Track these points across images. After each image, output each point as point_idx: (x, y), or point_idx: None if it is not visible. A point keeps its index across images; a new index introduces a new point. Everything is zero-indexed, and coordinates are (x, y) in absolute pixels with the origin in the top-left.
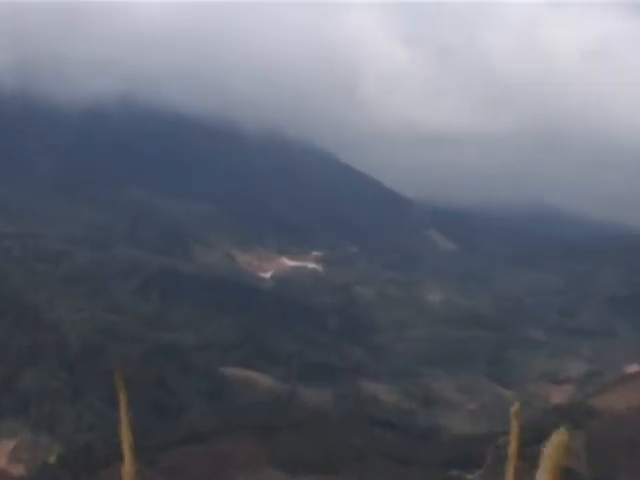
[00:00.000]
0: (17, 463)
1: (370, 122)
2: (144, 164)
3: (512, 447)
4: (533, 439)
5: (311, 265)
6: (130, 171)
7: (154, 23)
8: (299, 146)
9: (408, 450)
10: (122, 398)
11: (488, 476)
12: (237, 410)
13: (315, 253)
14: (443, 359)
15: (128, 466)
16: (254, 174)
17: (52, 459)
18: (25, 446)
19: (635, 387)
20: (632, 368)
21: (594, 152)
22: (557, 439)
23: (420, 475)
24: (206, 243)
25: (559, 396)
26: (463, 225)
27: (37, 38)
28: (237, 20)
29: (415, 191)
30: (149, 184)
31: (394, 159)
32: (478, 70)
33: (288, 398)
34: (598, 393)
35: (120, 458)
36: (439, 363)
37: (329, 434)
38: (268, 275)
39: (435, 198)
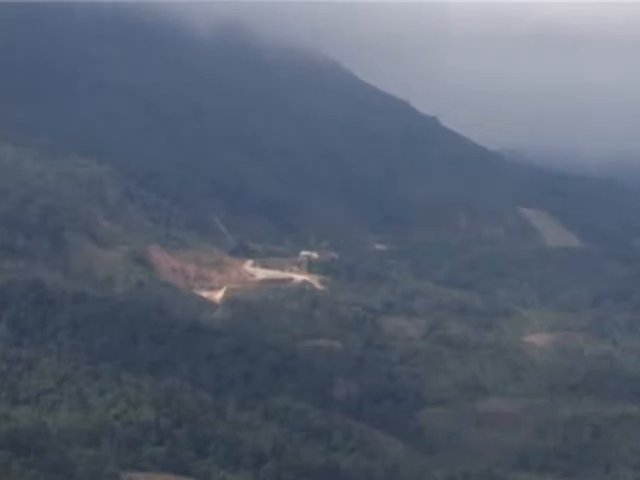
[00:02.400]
0: None
1: (420, 13)
2: None
3: None
4: None
5: (300, 277)
6: None
7: None
8: (282, 55)
9: None
10: None
11: None
12: None
13: (306, 254)
14: (559, 457)
15: None
16: (198, 104)
17: None
18: None
19: None
20: None
21: None
22: None
23: None
24: (96, 233)
25: None
26: (593, 203)
27: None
28: None
29: (504, 139)
30: None
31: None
32: None
33: None
34: None
35: None
36: (550, 465)
37: None
38: (217, 296)
39: (540, 153)
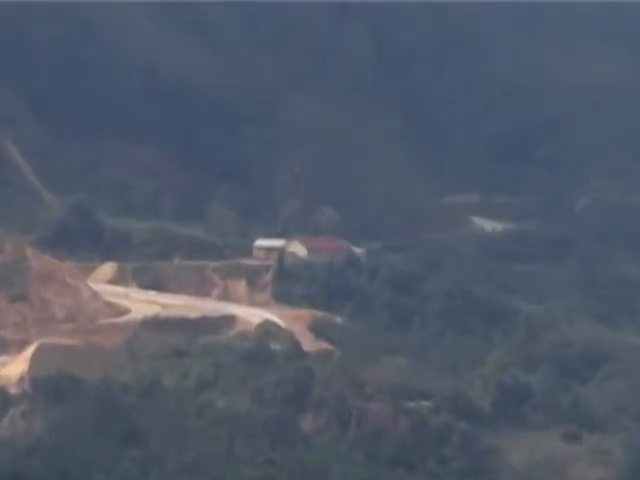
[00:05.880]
0: None
1: None
2: None
3: None
4: None
5: (255, 312)
6: None
7: None
8: None
9: None
10: None
11: None
12: None
13: (270, 246)
14: None
15: None
16: None
17: None
18: None
19: None
20: None
21: None
22: None
23: None
24: None
25: None
26: None
27: None
28: None
29: None
30: None
31: None
32: None
33: None
34: None
35: None
36: None
37: None
38: (13, 371)
39: None
